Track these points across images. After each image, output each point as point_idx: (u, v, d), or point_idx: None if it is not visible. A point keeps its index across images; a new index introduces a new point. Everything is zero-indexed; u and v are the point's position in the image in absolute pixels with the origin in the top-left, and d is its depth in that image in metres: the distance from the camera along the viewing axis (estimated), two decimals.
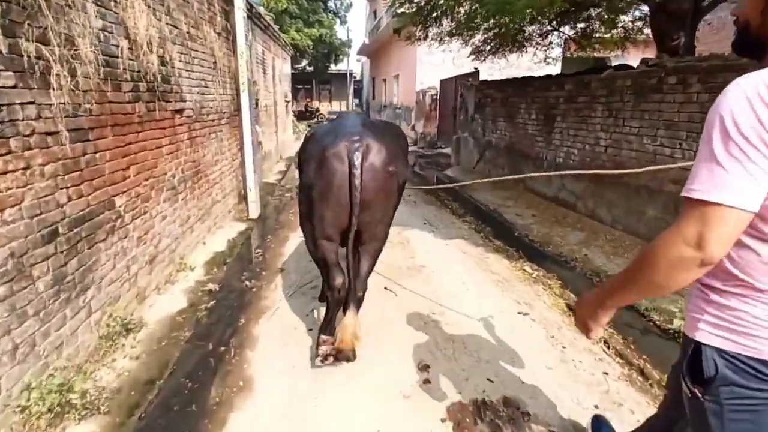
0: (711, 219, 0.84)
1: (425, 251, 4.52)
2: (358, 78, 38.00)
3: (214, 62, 5.19)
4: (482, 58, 9.60)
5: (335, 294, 2.55)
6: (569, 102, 5.59)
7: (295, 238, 5.08)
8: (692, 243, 0.86)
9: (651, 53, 15.27)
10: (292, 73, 28.13)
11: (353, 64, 33.21)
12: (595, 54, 9.74)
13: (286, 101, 13.13)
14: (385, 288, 3.62)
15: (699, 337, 1.00)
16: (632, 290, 1.00)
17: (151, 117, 3.47)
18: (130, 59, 3.09)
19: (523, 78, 7.04)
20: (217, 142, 5.27)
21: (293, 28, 17.78)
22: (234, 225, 5.47)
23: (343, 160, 2.28)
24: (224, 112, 5.54)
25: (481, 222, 5.66)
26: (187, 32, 4.32)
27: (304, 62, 24.90)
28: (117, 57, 2.94)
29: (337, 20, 21.82)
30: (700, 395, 0.99)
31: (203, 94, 4.80)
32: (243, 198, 6.02)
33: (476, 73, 10.00)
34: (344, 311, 2.54)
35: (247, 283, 3.78)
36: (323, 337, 2.59)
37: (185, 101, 4.22)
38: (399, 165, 2.51)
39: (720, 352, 0.96)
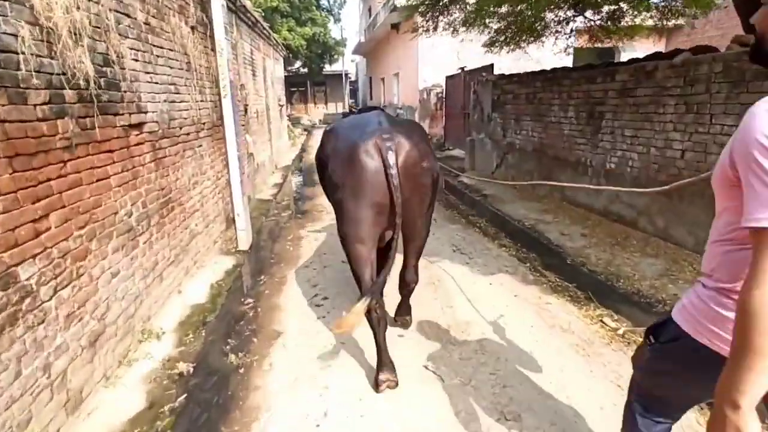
0: None
1: (465, 297, 3.51)
2: (353, 78, 36.99)
3: (188, 62, 4.18)
4: (496, 50, 8.62)
5: (372, 315, 2.34)
6: (623, 95, 4.59)
7: (296, 278, 4.06)
8: None
9: (661, 45, 14.17)
10: (285, 76, 27.24)
11: (347, 64, 32.22)
12: (599, 45, 8.63)
13: (279, 105, 12.12)
14: (425, 367, 2.62)
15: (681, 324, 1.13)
16: (756, 375, 0.83)
17: (89, 137, 2.46)
18: (40, 56, 2.08)
19: (556, 70, 6.04)
20: (195, 160, 4.27)
21: (285, 27, 16.77)
22: (220, 261, 4.46)
23: (374, 157, 2.21)
24: (204, 123, 4.53)
25: (521, 245, 4.66)
26: (146, 23, 3.31)
27: (298, 64, 23.89)
28: (14, 53, 1.93)
29: (331, 18, 20.78)
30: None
31: (173, 102, 3.79)
32: (232, 222, 5.01)
33: (490, 67, 9.00)
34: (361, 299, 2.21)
35: (233, 357, 2.77)
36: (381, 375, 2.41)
37: (145, 112, 3.21)
38: (431, 160, 2.46)
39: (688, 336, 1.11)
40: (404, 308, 3.05)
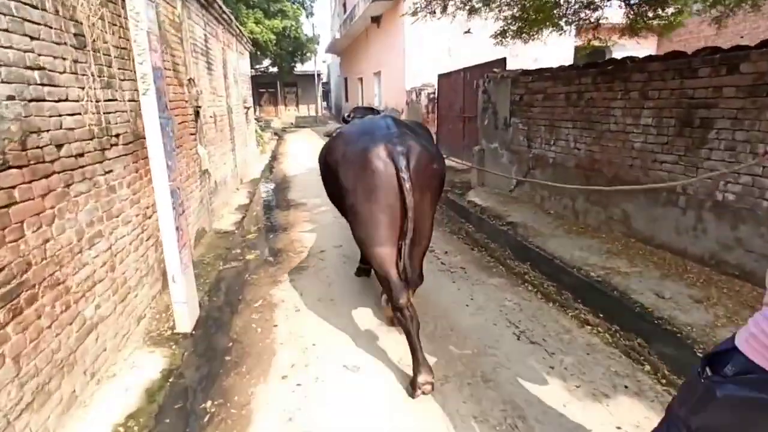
0: None
1: None
2: (324, 80, 35.14)
3: (77, 34, 2.44)
4: (507, 42, 7.15)
5: (404, 313, 2.35)
6: (756, 95, 3.10)
7: (268, 404, 2.36)
8: None
9: (649, 47, 12.97)
10: (253, 75, 25.17)
11: (319, 64, 30.42)
12: (597, 43, 7.27)
13: (245, 108, 10.31)
14: None
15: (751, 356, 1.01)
16: None
17: None
18: None
19: (618, 60, 4.53)
20: (96, 198, 2.53)
21: (251, 19, 14.90)
22: (141, 361, 2.71)
23: (386, 162, 2.24)
24: (117, 135, 2.80)
25: (609, 319, 3.11)
26: None
27: (267, 62, 21.97)
28: None
29: (303, 11, 18.96)
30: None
31: (38, 100, 2.06)
32: (171, 280, 3.23)
33: (501, 61, 7.49)
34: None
35: None
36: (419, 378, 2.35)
37: None
38: (440, 161, 2.56)
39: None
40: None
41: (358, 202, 2.33)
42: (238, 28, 9.26)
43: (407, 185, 2.17)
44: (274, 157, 13.45)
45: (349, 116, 3.94)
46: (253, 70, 23.39)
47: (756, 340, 0.97)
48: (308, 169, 10.67)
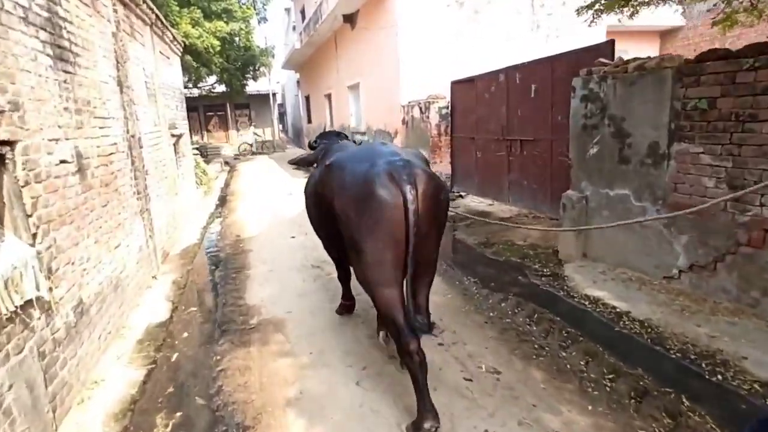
0: None
1: None
2: (279, 101, 31.65)
3: None
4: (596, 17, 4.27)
5: (414, 359, 2.13)
6: None
7: None
8: None
9: (652, 48, 10.56)
10: (197, 96, 21.45)
11: (273, 84, 27.05)
12: None
13: (174, 135, 6.84)
14: None
15: None
16: None
17: None
18: None
19: None
20: None
21: (185, 19, 11.39)
22: None
23: (390, 191, 2.03)
24: None
25: None
26: None
27: (213, 79, 18.39)
28: None
29: (253, 12, 15.58)
30: None
31: None
32: None
33: (607, 45, 4.46)
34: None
35: None
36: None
37: None
38: (447, 192, 2.33)
39: None
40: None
41: (361, 238, 2.08)
42: (155, 12, 5.87)
43: (413, 217, 1.96)
44: (223, 201, 9.90)
45: (315, 142, 3.30)
46: (196, 90, 19.76)
47: None
48: (274, 217, 7.24)
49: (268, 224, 7.09)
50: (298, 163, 3.57)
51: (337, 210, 2.22)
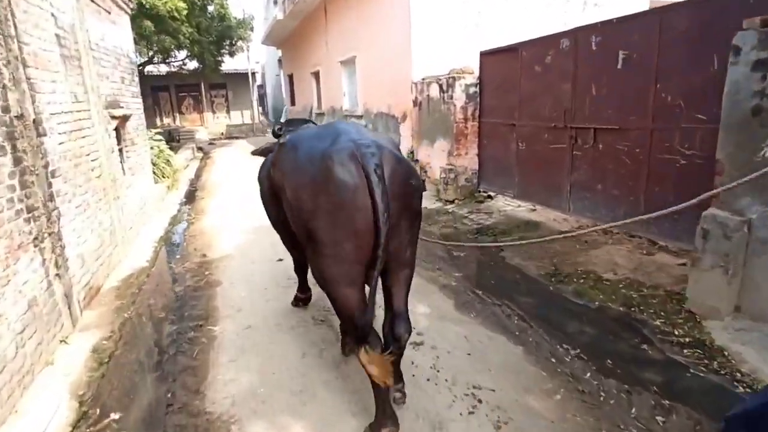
0: None
1: None
2: (258, 82, 29.37)
3: None
4: None
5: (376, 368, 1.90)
6: None
7: None
8: None
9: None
10: (169, 73, 19.19)
11: (252, 63, 24.86)
12: None
13: (115, 117, 5.01)
14: None
15: None
16: None
17: None
18: None
19: None
20: None
21: None
22: None
23: (353, 171, 1.70)
24: None
25: None
26: None
27: (183, 55, 16.28)
28: None
29: None
30: None
31: None
32: None
33: None
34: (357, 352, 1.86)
35: None
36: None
37: None
38: (418, 179, 2.02)
39: None
40: (396, 375, 2.11)
41: (318, 227, 1.77)
42: None
43: (380, 200, 1.64)
44: (191, 198, 8.10)
45: (280, 130, 2.80)
46: (164, 66, 17.60)
47: None
48: (253, 224, 5.50)
49: (246, 234, 5.38)
50: (262, 154, 2.95)
51: (289, 194, 1.93)
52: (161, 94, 24.52)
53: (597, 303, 3.29)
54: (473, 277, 3.90)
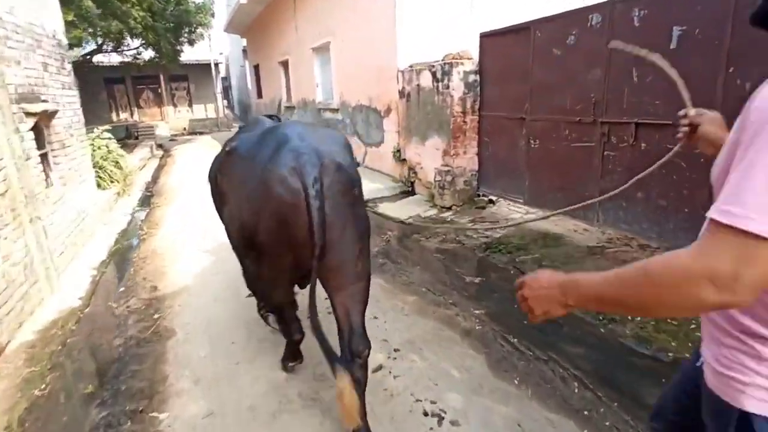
0: (758, 258, 0.63)
1: None
2: (222, 74, 27.74)
3: None
4: None
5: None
6: None
7: None
8: (720, 283, 0.66)
9: None
10: (122, 64, 17.54)
11: (215, 54, 23.38)
12: None
13: (31, 113, 3.92)
14: None
15: (751, 407, 0.79)
16: (613, 301, 0.81)
17: None
18: None
19: None
20: None
21: None
22: None
23: (291, 189, 1.68)
24: None
25: None
26: None
27: (137, 43, 14.82)
28: None
29: None
30: None
31: None
32: None
33: None
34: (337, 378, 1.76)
35: None
36: None
37: None
38: (359, 185, 1.94)
39: None
40: (361, 405, 1.87)
41: (259, 241, 1.81)
42: None
43: (316, 213, 1.63)
44: (146, 203, 7.00)
45: (244, 127, 2.72)
46: (117, 55, 16.01)
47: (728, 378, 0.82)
48: (217, 241, 4.52)
49: (207, 257, 4.42)
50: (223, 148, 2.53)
51: (232, 205, 1.99)
52: (116, 87, 22.72)
53: (671, 354, 2.52)
54: (499, 315, 3.08)
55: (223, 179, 2.14)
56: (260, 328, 2.98)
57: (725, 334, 0.84)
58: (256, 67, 16.66)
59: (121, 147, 14.10)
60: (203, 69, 22.88)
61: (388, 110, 6.84)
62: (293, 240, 1.73)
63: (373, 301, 3.28)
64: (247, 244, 1.92)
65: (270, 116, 2.90)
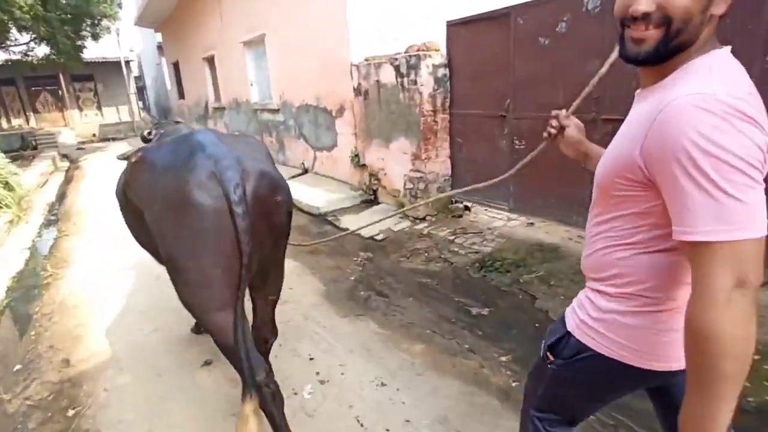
0: (748, 255, 0.75)
1: None
2: (135, 73, 25.19)
3: None
4: None
5: (265, 391, 1.69)
6: None
7: None
8: (741, 285, 0.75)
9: None
10: (9, 62, 15.01)
11: (124, 51, 21.11)
12: None
13: None
14: None
15: (582, 339, 1.06)
16: (728, 403, 0.79)
17: None
18: None
19: None
20: None
21: None
22: None
23: (211, 192, 1.56)
24: None
25: None
26: None
27: (26, 38, 12.73)
28: None
29: None
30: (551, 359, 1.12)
31: None
32: None
33: None
34: (243, 396, 1.60)
35: None
36: None
37: None
38: (286, 192, 1.85)
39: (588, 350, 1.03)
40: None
41: (179, 255, 1.63)
42: None
43: (243, 223, 1.53)
44: (49, 231, 5.70)
45: (149, 134, 2.57)
46: (1, 52, 13.65)
47: (585, 325, 1.06)
48: (150, 280, 3.54)
49: (136, 302, 3.47)
50: (127, 158, 2.16)
51: (147, 218, 1.73)
52: (5, 89, 19.75)
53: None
54: (529, 359, 2.51)
55: (132, 194, 1.94)
56: (224, 414, 2.17)
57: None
58: (176, 65, 15.06)
59: (14, 161, 12.04)
60: (112, 67, 20.56)
61: (341, 110, 6.09)
62: (218, 252, 1.59)
63: (374, 358, 2.60)
64: (170, 260, 1.68)
65: (177, 122, 2.80)
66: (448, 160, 5.02)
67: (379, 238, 4.70)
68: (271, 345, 2.13)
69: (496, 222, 4.76)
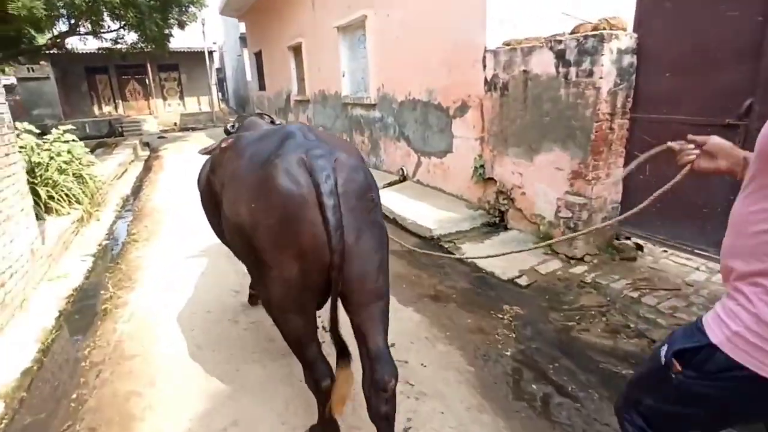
0: None
1: None
2: (217, 66, 25.46)
3: None
4: None
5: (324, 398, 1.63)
6: None
7: None
8: None
9: None
10: (101, 51, 15.27)
11: (207, 43, 21.26)
12: None
13: None
14: None
15: (734, 355, 0.91)
16: None
17: None
18: None
19: None
20: None
21: None
22: None
23: (298, 181, 1.39)
24: None
25: None
26: None
27: (117, 27, 12.68)
28: None
29: None
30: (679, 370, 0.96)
31: None
32: None
33: None
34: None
35: None
36: None
37: None
38: (376, 189, 1.62)
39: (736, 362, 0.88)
40: None
41: (259, 246, 1.46)
42: None
43: (333, 216, 1.34)
44: (119, 236, 4.98)
45: (232, 127, 2.62)
46: (95, 40, 13.84)
47: (740, 338, 0.90)
48: (254, 311, 2.55)
49: (221, 361, 2.46)
50: (212, 153, 2.18)
51: (226, 207, 1.63)
52: (98, 77, 20.53)
53: None
54: None
55: (216, 180, 1.84)
56: None
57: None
58: (258, 54, 14.55)
59: (100, 147, 11.94)
60: (196, 57, 20.79)
61: (463, 108, 4.88)
62: (300, 245, 1.39)
63: None
64: (247, 253, 1.55)
65: (260, 115, 2.75)
66: (620, 183, 3.66)
67: (522, 282, 3.46)
68: (393, 390, 1.56)
69: (693, 273, 3.36)
